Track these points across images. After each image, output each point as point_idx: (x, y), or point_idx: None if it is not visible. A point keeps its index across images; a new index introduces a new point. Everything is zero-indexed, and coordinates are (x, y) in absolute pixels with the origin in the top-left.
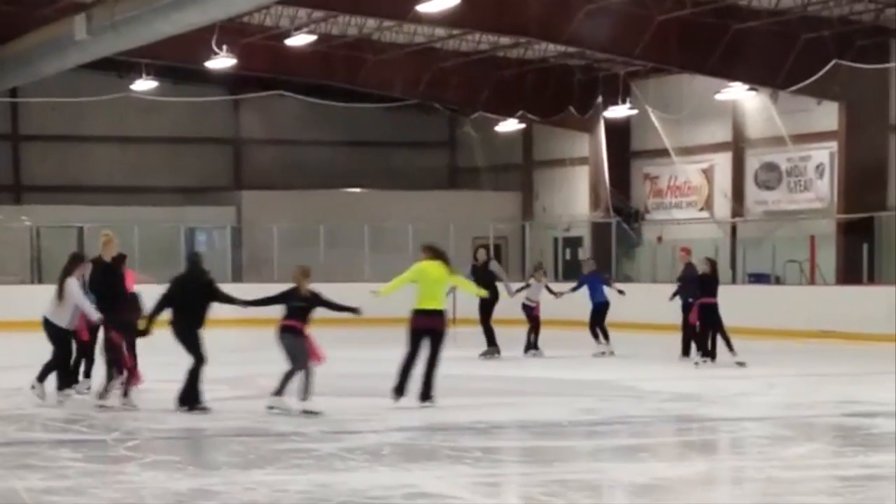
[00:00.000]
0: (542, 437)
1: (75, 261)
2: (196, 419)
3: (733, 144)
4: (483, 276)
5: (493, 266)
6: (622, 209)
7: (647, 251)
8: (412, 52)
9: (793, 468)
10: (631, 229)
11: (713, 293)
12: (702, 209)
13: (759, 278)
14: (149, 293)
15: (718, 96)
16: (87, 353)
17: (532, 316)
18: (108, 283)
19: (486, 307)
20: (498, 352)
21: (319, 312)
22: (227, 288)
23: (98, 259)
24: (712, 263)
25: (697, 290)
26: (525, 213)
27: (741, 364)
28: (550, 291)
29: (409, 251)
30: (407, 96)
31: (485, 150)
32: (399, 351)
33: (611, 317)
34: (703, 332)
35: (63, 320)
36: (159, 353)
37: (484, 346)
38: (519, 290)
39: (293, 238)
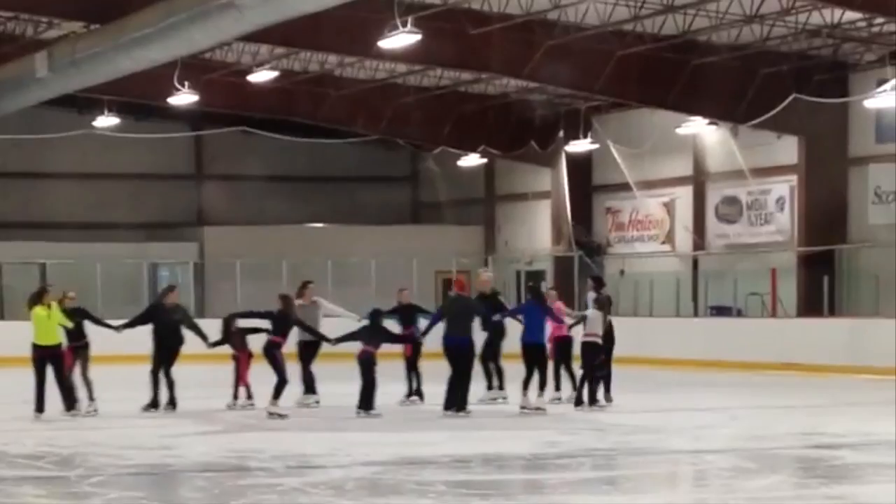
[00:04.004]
0: (506, 471)
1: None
2: (161, 455)
3: (694, 178)
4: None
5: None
6: (584, 243)
7: (609, 285)
8: (374, 87)
9: (756, 500)
10: (593, 263)
11: (280, 332)
12: (663, 242)
13: (720, 311)
14: None
15: (679, 130)
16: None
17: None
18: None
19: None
20: None
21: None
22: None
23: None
24: (284, 300)
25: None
26: (487, 247)
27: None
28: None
29: (372, 286)
30: (369, 132)
31: (447, 184)
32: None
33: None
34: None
35: None
36: (119, 389)
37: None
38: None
39: (256, 273)
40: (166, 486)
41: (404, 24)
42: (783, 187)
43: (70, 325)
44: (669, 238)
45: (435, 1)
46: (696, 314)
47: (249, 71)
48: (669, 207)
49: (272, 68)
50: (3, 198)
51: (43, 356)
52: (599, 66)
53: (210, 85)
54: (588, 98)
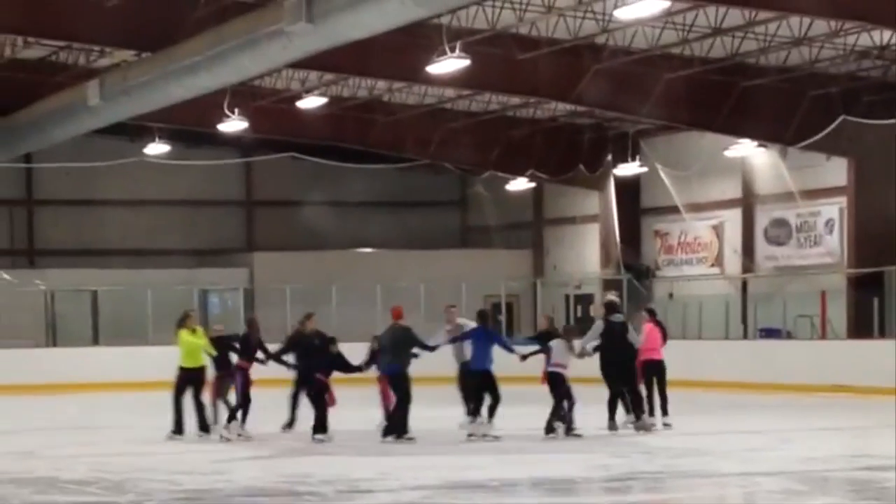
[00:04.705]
0: (556, 494)
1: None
2: (212, 480)
3: (743, 200)
4: None
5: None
6: (633, 266)
7: (658, 308)
8: (422, 112)
9: None
10: (642, 286)
11: (244, 356)
12: (712, 265)
13: (770, 333)
14: None
15: (727, 153)
16: None
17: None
18: None
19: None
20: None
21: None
22: None
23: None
24: (249, 324)
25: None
26: (536, 271)
27: None
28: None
29: (421, 310)
30: (418, 156)
31: (496, 208)
32: (417, 411)
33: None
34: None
35: None
36: (164, 414)
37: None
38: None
39: (306, 298)
40: None
41: (452, 50)
42: (832, 209)
43: (213, 352)
44: (718, 261)
45: (483, 26)
46: (745, 336)
47: (298, 97)
48: (718, 230)
49: (321, 94)
50: (55, 225)
51: (187, 378)
52: (647, 89)
53: (260, 112)
54: (636, 121)
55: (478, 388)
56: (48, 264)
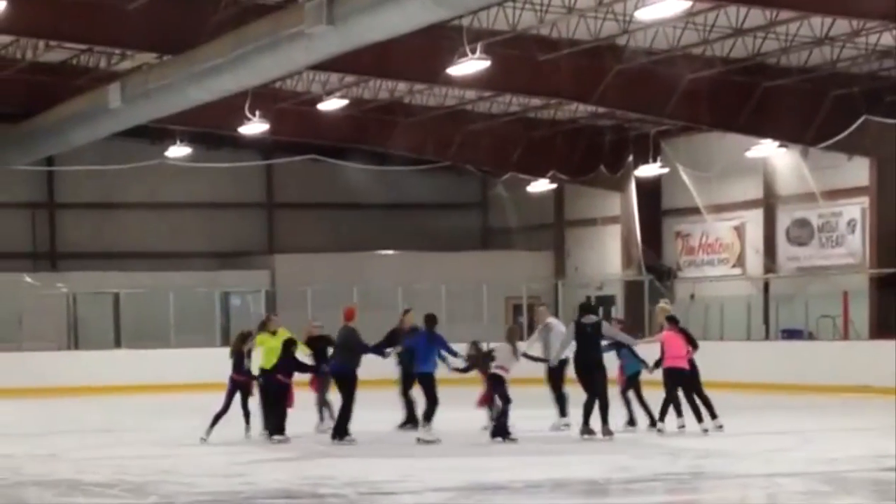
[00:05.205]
0: (579, 496)
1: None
2: (233, 482)
3: (764, 201)
4: None
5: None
6: (654, 267)
7: (679, 309)
8: (443, 114)
9: None
10: (663, 287)
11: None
12: (734, 266)
13: (792, 334)
14: None
15: (749, 153)
16: None
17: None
18: None
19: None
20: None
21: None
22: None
23: None
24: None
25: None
26: (557, 273)
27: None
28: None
29: (442, 312)
30: (438, 158)
31: (517, 210)
32: (440, 414)
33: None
34: None
35: None
36: (186, 417)
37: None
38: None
39: (327, 300)
40: None
41: (473, 51)
42: (854, 209)
43: (306, 351)
44: (740, 261)
45: (504, 27)
46: (767, 337)
47: (319, 99)
48: (740, 231)
49: (342, 96)
50: (77, 228)
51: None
52: (669, 89)
53: (280, 114)
54: (657, 122)
55: (426, 390)
56: (70, 267)
